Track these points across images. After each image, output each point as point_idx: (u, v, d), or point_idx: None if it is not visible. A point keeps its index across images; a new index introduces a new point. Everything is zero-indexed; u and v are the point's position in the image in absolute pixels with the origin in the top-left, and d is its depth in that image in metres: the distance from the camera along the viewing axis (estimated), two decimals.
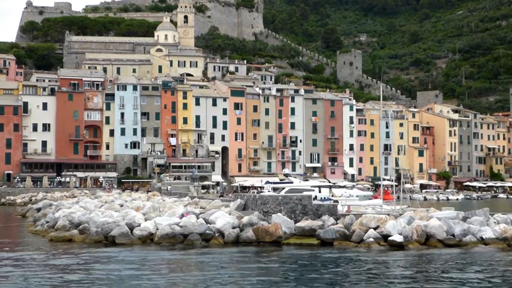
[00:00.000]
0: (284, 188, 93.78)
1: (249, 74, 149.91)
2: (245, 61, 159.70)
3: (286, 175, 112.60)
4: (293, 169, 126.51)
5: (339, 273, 33.41)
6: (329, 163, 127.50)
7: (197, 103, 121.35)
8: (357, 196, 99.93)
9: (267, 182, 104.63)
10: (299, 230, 46.05)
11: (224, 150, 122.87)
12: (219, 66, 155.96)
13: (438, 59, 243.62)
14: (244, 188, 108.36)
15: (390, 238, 42.46)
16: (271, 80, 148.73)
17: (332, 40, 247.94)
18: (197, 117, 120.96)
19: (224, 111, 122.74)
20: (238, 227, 45.42)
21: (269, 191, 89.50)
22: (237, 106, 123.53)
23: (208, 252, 40.34)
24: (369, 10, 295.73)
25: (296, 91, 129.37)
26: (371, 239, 42.50)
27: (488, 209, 47.78)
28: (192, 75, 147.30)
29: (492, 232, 43.30)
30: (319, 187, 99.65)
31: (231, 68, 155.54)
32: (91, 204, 60.34)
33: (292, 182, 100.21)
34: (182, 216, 47.18)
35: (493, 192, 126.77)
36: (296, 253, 40.54)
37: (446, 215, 46.34)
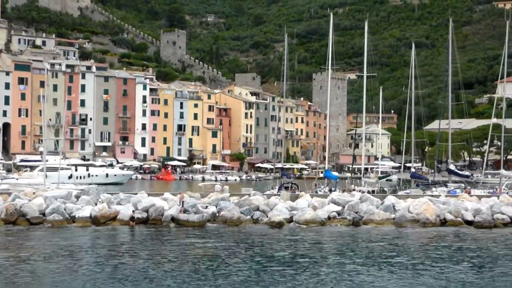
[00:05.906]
0: (38, 166, 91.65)
1: (53, 49, 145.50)
2: (53, 35, 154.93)
3: (41, 153, 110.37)
4: (82, 147, 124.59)
5: None
6: (120, 142, 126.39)
7: None
8: (115, 175, 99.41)
9: (22, 160, 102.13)
10: None
11: (6, 126, 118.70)
12: (25, 39, 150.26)
13: (277, 42, 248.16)
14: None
15: None
16: (74, 55, 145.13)
17: (177, 19, 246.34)
18: None
19: (7, 86, 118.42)
20: None
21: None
22: (21, 81, 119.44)
23: None
24: None
25: (88, 67, 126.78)
26: None
27: (104, 189, 48.34)
28: None
29: (90, 211, 43.67)
30: (76, 165, 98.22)
31: (38, 42, 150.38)
32: None
33: (47, 160, 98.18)
34: None
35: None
36: None
37: (58, 193, 46.35)
